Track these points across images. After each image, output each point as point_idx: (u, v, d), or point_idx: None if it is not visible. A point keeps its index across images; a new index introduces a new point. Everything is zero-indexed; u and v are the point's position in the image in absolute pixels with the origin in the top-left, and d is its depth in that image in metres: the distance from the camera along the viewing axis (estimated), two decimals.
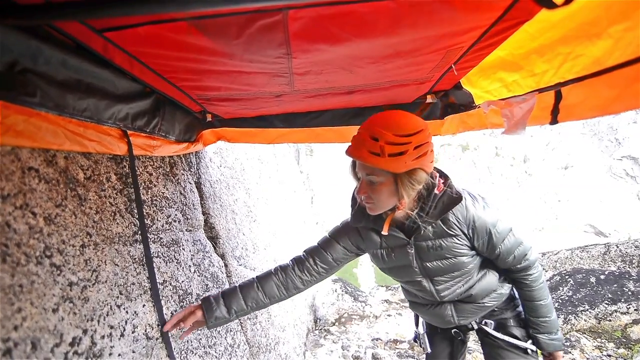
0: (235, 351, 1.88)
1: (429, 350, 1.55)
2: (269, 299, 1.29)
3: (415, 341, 1.68)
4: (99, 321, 0.99)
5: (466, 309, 1.36)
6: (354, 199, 1.24)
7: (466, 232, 1.16)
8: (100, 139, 1.12)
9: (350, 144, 1.09)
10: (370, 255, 1.35)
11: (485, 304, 1.36)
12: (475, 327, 1.42)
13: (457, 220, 1.15)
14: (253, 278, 1.32)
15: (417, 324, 1.70)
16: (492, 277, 1.32)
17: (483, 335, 1.46)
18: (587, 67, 0.96)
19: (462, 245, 1.17)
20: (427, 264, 1.22)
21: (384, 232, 1.16)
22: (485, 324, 1.40)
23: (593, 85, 1.00)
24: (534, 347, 1.36)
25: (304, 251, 1.37)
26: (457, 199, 1.12)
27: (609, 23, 0.79)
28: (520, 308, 1.43)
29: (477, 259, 1.25)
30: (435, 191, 1.11)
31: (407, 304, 1.75)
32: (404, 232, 1.21)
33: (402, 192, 1.05)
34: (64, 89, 0.91)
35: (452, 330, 1.49)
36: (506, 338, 1.36)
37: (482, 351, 1.52)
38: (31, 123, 0.86)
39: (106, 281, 1.05)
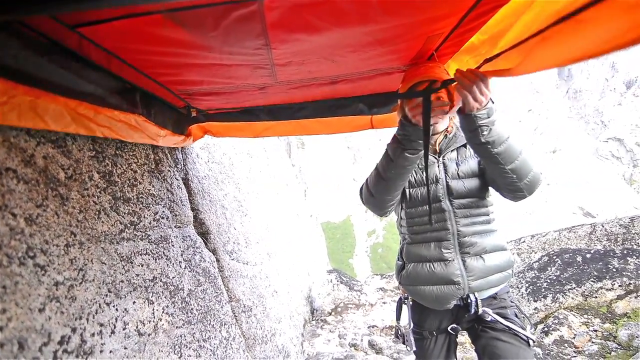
0: (231, 344, 1.90)
1: (414, 348, 1.52)
2: None
3: (397, 337, 1.64)
4: (88, 319, 0.99)
5: (476, 266, 1.37)
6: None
7: None
8: (110, 124, 1.15)
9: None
10: None
11: (493, 266, 1.38)
12: (480, 311, 1.38)
13: None
14: None
15: (398, 317, 1.67)
16: (500, 235, 1.49)
17: (480, 327, 1.42)
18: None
19: (476, 165, 1.45)
20: (450, 182, 1.44)
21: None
22: (485, 312, 1.38)
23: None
24: (535, 338, 1.36)
25: None
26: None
27: None
28: (515, 303, 1.45)
29: (487, 189, 1.47)
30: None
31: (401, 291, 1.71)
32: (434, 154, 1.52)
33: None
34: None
35: (449, 327, 1.47)
36: (510, 324, 1.34)
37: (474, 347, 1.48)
38: (38, 105, 0.84)
39: (93, 280, 1.04)
